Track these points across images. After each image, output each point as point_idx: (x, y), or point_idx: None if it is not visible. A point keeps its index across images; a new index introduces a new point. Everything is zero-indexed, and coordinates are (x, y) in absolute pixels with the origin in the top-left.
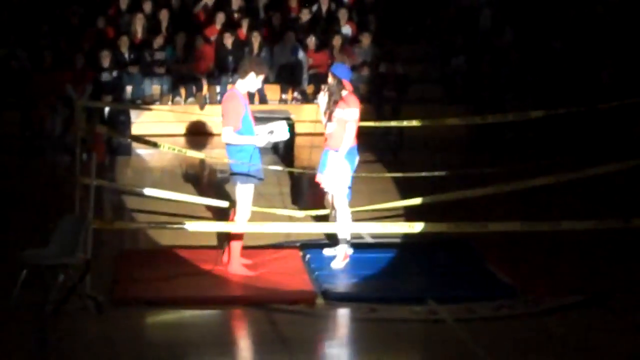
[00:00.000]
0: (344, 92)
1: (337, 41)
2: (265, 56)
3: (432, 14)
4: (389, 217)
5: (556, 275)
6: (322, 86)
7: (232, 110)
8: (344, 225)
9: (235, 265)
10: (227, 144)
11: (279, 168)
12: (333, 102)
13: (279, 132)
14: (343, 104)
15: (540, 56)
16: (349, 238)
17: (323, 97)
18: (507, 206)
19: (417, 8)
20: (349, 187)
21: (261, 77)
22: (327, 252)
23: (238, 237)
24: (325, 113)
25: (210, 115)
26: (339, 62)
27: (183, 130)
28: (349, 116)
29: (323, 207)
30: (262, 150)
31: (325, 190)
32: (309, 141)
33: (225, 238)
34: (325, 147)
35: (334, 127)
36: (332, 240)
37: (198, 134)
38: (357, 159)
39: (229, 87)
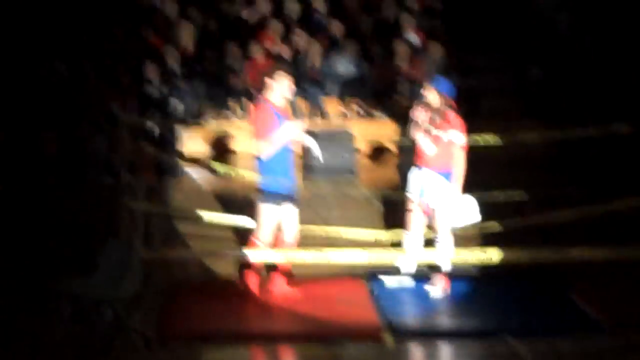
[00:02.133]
0: (449, 112)
1: (403, 51)
2: (325, 68)
3: (505, 21)
4: (462, 244)
5: None
6: (418, 103)
7: (260, 120)
8: (446, 251)
9: (281, 295)
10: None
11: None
12: (438, 123)
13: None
14: (449, 126)
15: (621, 64)
16: (450, 265)
17: (421, 114)
18: (592, 231)
19: (488, 14)
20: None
21: (283, 80)
22: (388, 281)
23: (285, 265)
24: (425, 131)
25: None
26: (440, 76)
27: (236, 148)
28: (458, 140)
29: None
30: (322, 171)
31: (417, 213)
32: (370, 159)
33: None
34: (426, 167)
35: (438, 150)
36: (397, 268)
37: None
38: None
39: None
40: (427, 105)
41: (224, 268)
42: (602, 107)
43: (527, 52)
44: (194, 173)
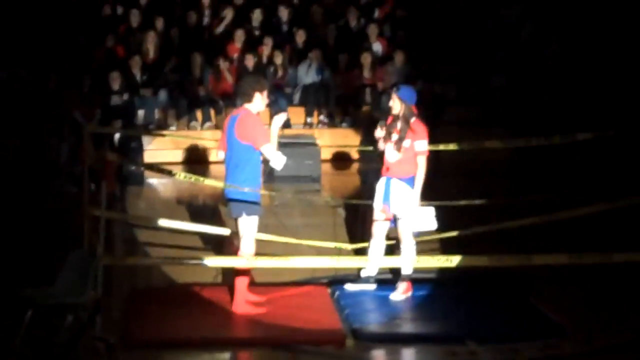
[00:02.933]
0: (412, 119)
1: (367, 59)
2: (289, 77)
3: (469, 29)
4: (424, 250)
5: (607, 311)
6: (381, 111)
7: (257, 127)
8: (408, 257)
9: (241, 303)
10: (236, 168)
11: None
12: (401, 130)
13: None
14: (412, 133)
15: (587, 73)
16: (411, 270)
17: (380, 131)
18: (553, 237)
19: (452, 23)
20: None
21: (265, 94)
22: (350, 287)
23: (244, 272)
24: (385, 139)
25: None
26: (404, 85)
27: (199, 158)
28: (420, 147)
29: (362, 240)
30: (286, 179)
31: (381, 220)
32: (334, 168)
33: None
34: (387, 174)
35: (401, 156)
36: (359, 275)
37: (216, 162)
38: None
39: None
40: (390, 113)
41: (185, 274)
42: (565, 114)
43: (490, 61)
44: (157, 181)
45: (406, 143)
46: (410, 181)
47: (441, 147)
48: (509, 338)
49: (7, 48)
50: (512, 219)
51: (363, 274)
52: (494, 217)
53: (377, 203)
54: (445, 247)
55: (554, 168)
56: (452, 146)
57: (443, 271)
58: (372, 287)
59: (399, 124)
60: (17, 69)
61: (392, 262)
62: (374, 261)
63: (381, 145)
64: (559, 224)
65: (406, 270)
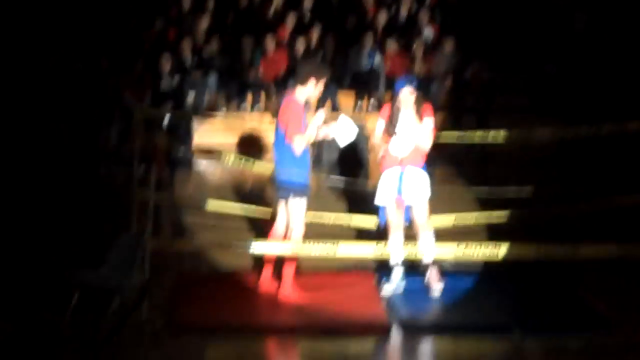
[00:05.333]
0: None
1: (418, 47)
2: (339, 61)
3: (520, 17)
4: (469, 238)
5: None
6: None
7: (292, 118)
8: (430, 244)
9: (288, 288)
10: (283, 158)
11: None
12: (406, 121)
13: (345, 130)
14: (420, 122)
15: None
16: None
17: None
18: (602, 228)
19: (503, 10)
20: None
21: (322, 82)
22: (386, 290)
23: (292, 258)
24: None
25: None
26: (408, 75)
27: (248, 141)
28: (424, 140)
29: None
30: (332, 167)
31: (397, 214)
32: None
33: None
34: (398, 163)
35: (411, 147)
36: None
37: (263, 147)
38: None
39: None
40: (397, 105)
41: (234, 260)
42: (615, 105)
43: (543, 50)
44: (207, 165)
45: (414, 133)
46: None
47: (490, 137)
48: (556, 329)
49: (59, 33)
50: (559, 208)
51: (394, 277)
52: (542, 206)
53: (388, 198)
54: (492, 237)
55: (604, 158)
56: (500, 137)
57: (489, 262)
58: (401, 286)
59: (405, 116)
60: (69, 53)
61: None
62: (398, 255)
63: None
64: (609, 216)
65: (427, 260)
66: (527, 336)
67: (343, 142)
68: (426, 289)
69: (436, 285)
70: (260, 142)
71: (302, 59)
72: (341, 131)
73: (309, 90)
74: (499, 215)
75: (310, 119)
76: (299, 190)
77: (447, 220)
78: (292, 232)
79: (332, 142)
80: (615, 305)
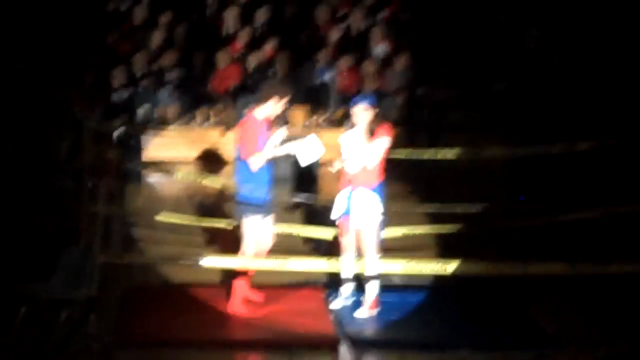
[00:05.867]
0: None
1: (370, 64)
2: (291, 76)
3: (472, 35)
4: (419, 253)
5: (603, 322)
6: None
7: (247, 137)
8: (373, 270)
9: (237, 303)
10: (239, 176)
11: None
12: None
13: (308, 151)
14: (372, 143)
15: (590, 80)
16: (377, 286)
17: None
18: (549, 245)
19: (456, 28)
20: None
21: (283, 100)
22: (334, 306)
23: (243, 273)
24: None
25: (229, 141)
26: (361, 94)
27: (198, 155)
28: (373, 155)
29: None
30: (281, 181)
31: (347, 233)
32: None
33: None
34: (352, 186)
35: (361, 167)
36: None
37: (215, 161)
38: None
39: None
40: (352, 124)
41: (182, 274)
42: (566, 122)
43: (492, 66)
44: (156, 178)
45: (365, 153)
46: (377, 189)
47: (439, 155)
48: (503, 346)
49: (9, 43)
50: (509, 225)
51: (343, 292)
52: (492, 222)
53: (340, 216)
54: (442, 253)
55: (553, 174)
56: (449, 155)
57: (439, 277)
58: (350, 303)
59: (359, 135)
60: (19, 64)
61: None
62: (348, 277)
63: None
64: (558, 233)
65: (372, 286)
66: (475, 352)
67: (306, 161)
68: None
69: (366, 310)
70: (213, 157)
71: (254, 73)
72: (307, 150)
73: (269, 108)
74: (449, 229)
75: (271, 136)
76: (257, 206)
77: (396, 232)
78: (244, 248)
79: (284, 158)
80: (563, 323)
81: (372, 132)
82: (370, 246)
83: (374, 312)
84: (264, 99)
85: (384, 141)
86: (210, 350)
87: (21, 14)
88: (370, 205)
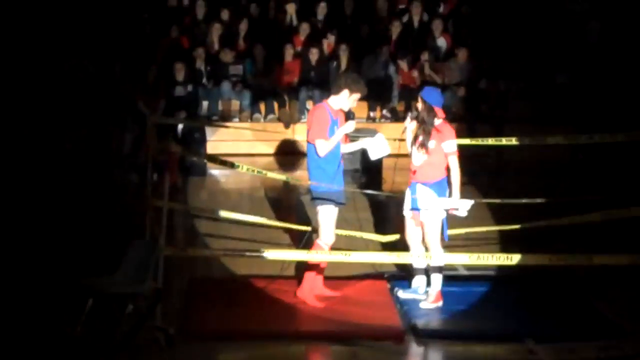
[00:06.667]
0: (437, 121)
1: (425, 56)
2: (353, 70)
3: (533, 26)
4: (483, 246)
5: None
6: (409, 112)
7: (316, 122)
8: (438, 265)
9: (307, 291)
10: (308, 164)
11: (370, 192)
12: (424, 132)
13: (377, 148)
14: (439, 134)
15: None
16: (440, 280)
17: (410, 123)
18: (615, 237)
19: (516, 19)
20: (445, 225)
21: (356, 96)
22: (401, 295)
23: (316, 265)
24: (413, 142)
25: (293, 134)
26: (429, 86)
27: (263, 150)
28: (449, 148)
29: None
30: (349, 173)
31: (413, 228)
32: (398, 163)
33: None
34: (414, 180)
35: (426, 159)
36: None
37: (280, 154)
38: (447, 192)
39: (308, 103)
40: (415, 116)
41: (245, 266)
42: (628, 113)
43: (555, 59)
44: (219, 173)
45: (431, 144)
46: (436, 185)
47: (504, 141)
48: (568, 337)
49: (74, 40)
50: (574, 217)
51: (413, 284)
52: (556, 215)
53: (406, 210)
54: (506, 245)
55: (617, 167)
56: (514, 140)
57: (503, 269)
58: (422, 297)
59: (423, 128)
60: (83, 60)
61: (421, 263)
62: (418, 271)
63: (408, 147)
64: (622, 224)
65: (435, 279)
66: (540, 344)
67: (374, 156)
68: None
69: (430, 302)
70: (277, 150)
71: (315, 67)
72: (376, 147)
73: (341, 100)
74: (512, 227)
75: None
76: (327, 197)
77: (459, 231)
78: (321, 237)
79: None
80: (629, 314)
81: (429, 126)
82: (433, 240)
83: (438, 304)
84: (337, 90)
85: (449, 144)
86: (274, 343)
87: (85, 10)
88: (429, 200)
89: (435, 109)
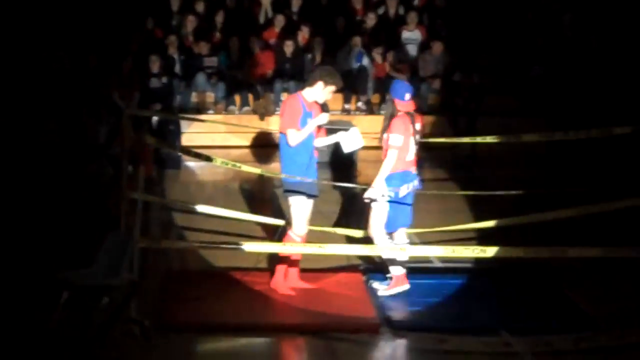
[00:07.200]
0: (396, 113)
1: (390, 57)
2: (327, 63)
3: (508, 19)
4: (459, 240)
5: None
6: (384, 105)
7: (288, 112)
8: (382, 251)
9: (279, 282)
10: (280, 155)
11: (342, 184)
12: (382, 124)
13: (350, 141)
14: (389, 127)
15: (625, 65)
16: (396, 266)
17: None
18: (589, 230)
19: (491, 12)
20: (409, 212)
21: (330, 88)
22: (376, 285)
23: (287, 256)
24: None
25: (268, 126)
26: (398, 79)
27: (238, 142)
28: (390, 141)
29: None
30: (323, 165)
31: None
32: (373, 155)
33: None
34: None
35: (383, 151)
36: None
37: (255, 146)
38: (410, 184)
39: (283, 95)
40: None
41: (221, 259)
42: (603, 106)
43: (530, 51)
44: (194, 165)
45: (385, 136)
46: (388, 177)
47: (478, 139)
48: (543, 330)
49: (48, 32)
50: (548, 211)
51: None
52: (530, 208)
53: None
54: (481, 238)
55: (591, 160)
56: (489, 139)
57: (478, 261)
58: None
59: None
60: (57, 52)
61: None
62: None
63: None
64: (595, 216)
65: (391, 268)
66: (515, 336)
67: (347, 150)
68: (414, 287)
69: (385, 291)
70: (251, 142)
71: (290, 59)
72: (349, 140)
73: (316, 92)
74: (487, 222)
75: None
76: (297, 189)
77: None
78: (290, 232)
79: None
80: (603, 306)
81: (388, 119)
82: (375, 228)
83: (402, 288)
84: (311, 82)
85: (392, 137)
86: (249, 335)
87: (59, 2)
88: (377, 189)
89: (395, 101)
